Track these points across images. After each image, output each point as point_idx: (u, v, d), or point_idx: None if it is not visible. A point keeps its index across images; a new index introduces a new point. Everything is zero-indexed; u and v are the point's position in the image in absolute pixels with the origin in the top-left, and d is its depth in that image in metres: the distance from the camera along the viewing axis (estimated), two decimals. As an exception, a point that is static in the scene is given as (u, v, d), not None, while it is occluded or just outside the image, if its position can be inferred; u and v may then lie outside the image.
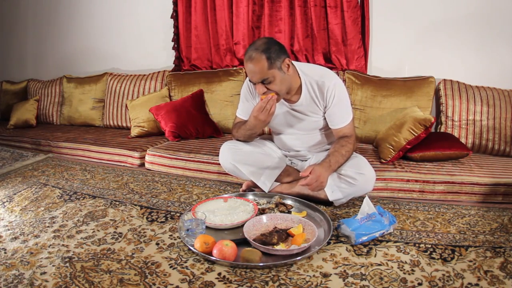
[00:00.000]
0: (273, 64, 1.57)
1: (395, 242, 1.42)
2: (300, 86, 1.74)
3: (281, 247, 1.32)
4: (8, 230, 1.59)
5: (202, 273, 1.23)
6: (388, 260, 1.29)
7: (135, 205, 1.85)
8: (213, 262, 1.29)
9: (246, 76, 2.91)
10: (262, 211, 1.63)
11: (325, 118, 1.79)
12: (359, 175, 1.66)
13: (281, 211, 1.65)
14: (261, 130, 1.97)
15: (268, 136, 2.17)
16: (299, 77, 1.73)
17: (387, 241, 1.43)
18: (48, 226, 1.62)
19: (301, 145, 1.90)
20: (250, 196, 1.83)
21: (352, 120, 1.77)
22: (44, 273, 1.25)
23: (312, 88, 1.73)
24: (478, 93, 2.38)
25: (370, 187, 1.70)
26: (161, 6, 3.33)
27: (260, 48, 1.56)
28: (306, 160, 1.92)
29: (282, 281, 1.18)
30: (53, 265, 1.29)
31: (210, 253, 1.29)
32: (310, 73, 1.75)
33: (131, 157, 2.58)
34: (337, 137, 1.77)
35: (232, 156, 1.86)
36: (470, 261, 1.28)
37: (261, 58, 1.55)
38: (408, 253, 1.33)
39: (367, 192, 1.72)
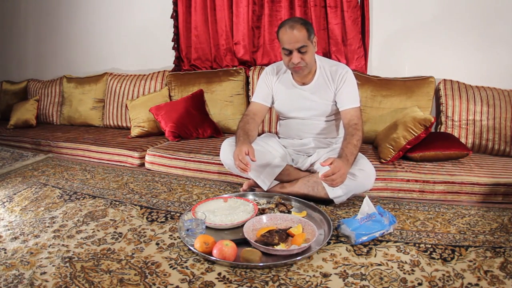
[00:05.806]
0: (310, 36, 1.74)
1: (395, 242, 1.42)
2: (315, 70, 1.88)
3: (281, 247, 1.32)
4: (8, 230, 1.59)
5: (202, 273, 1.23)
6: (388, 260, 1.29)
7: (135, 205, 1.85)
8: (213, 262, 1.29)
9: (247, 76, 2.96)
10: (262, 211, 1.63)
11: (334, 104, 1.86)
12: (359, 171, 1.67)
13: (281, 211, 1.65)
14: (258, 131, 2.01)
15: (270, 134, 2.17)
16: (315, 61, 1.87)
17: (387, 241, 1.43)
18: (48, 226, 1.62)
19: (306, 132, 1.93)
20: (250, 196, 1.83)
21: (360, 109, 1.84)
22: (44, 273, 1.25)
23: (326, 72, 1.87)
24: (478, 93, 2.38)
25: (370, 184, 1.71)
26: (161, 6, 3.33)
27: (300, 21, 1.73)
28: (308, 157, 1.93)
29: (282, 281, 1.18)
30: (53, 265, 1.29)
31: (210, 253, 1.29)
32: (324, 61, 1.94)
33: (131, 157, 2.58)
34: (345, 123, 1.79)
35: (232, 153, 1.86)
36: (470, 261, 1.28)
37: (302, 28, 1.71)
38: (408, 253, 1.33)
39: (367, 189, 1.73)
